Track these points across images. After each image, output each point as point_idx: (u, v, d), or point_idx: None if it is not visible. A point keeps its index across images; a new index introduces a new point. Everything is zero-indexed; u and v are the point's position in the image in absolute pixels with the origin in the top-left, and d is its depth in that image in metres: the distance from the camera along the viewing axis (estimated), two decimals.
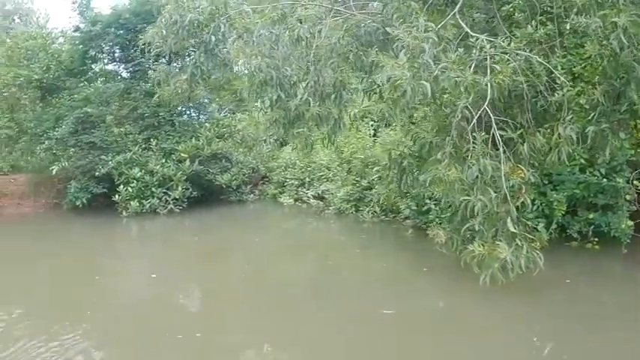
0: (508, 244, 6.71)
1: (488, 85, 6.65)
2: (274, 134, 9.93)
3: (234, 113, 19.92)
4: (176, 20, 8.49)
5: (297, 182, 17.94)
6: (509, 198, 6.85)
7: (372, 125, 16.28)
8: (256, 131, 20.13)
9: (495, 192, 6.70)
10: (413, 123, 9.81)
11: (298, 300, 8.50)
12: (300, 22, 8.24)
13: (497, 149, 6.94)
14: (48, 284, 9.62)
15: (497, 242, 6.74)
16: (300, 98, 8.07)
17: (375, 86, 8.05)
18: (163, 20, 8.64)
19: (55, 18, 48.68)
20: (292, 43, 8.20)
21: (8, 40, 26.61)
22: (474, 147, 6.68)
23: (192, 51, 8.83)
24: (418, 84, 6.05)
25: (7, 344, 6.59)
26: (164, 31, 8.65)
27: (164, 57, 18.32)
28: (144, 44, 8.96)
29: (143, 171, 16.21)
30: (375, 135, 16.08)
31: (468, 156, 6.81)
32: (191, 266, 10.90)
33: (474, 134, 6.73)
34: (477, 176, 6.59)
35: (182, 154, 16.58)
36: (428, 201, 11.82)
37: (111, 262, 11.75)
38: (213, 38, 8.54)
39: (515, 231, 6.78)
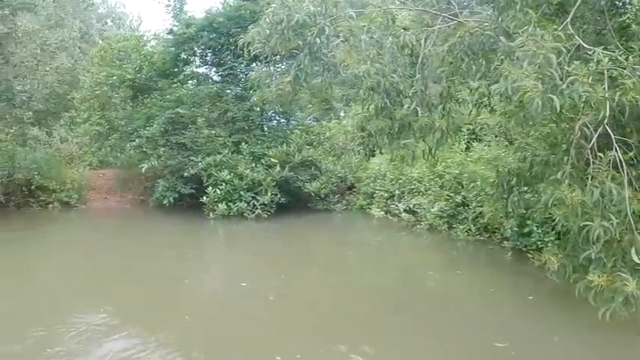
0: (632, 275, 6.25)
1: (614, 101, 6.26)
2: (374, 144, 9.71)
3: (317, 121, 19.92)
4: (282, 19, 8.41)
5: (386, 194, 17.68)
6: (633, 225, 6.40)
7: (464, 139, 15.86)
8: (345, 139, 20.14)
9: (617, 218, 6.27)
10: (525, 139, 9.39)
11: (400, 326, 7.99)
12: (404, 29, 8.04)
13: (619, 171, 6.52)
14: (137, 283, 9.80)
15: (618, 273, 6.29)
16: (408, 107, 7.84)
17: (485, 98, 7.75)
18: (267, 19, 8.56)
19: (147, 21, 50.54)
20: (397, 49, 8.00)
21: (101, 42, 27.94)
22: (598, 168, 6.27)
23: (295, 53, 8.76)
24: (547, 97, 5.74)
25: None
26: (267, 31, 8.55)
27: (260, 60, 18.73)
28: (243, 44, 8.89)
29: (232, 174, 16.59)
30: (467, 149, 15.64)
31: (588, 177, 6.41)
32: (281, 276, 10.81)
33: (599, 154, 6.32)
34: (599, 200, 6.19)
35: (272, 160, 16.84)
36: (529, 222, 11.32)
37: (199, 266, 12.00)
38: (318, 41, 8.40)
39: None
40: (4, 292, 9.01)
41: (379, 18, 8.14)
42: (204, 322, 7.98)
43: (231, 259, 12.95)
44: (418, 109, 7.80)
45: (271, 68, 19.52)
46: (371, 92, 8.03)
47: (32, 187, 18.32)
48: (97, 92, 21.09)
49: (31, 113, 18.43)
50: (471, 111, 9.02)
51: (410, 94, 7.99)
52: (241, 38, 8.64)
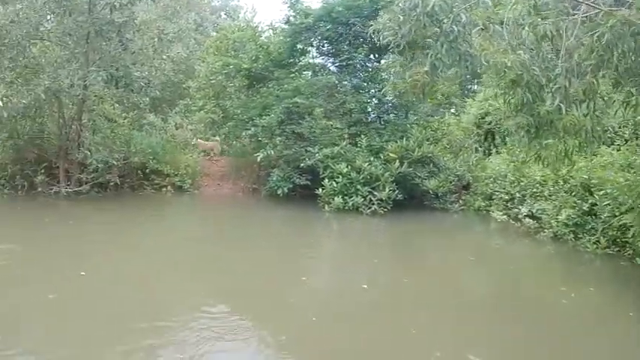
0: None
1: None
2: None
3: (430, 115, 19.16)
4: (416, 4, 7.70)
5: (506, 196, 16.65)
6: None
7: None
8: (463, 136, 19.30)
9: None
10: None
11: (519, 340, 7.18)
12: (542, 19, 7.20)
13: None
14: (255, 277, 9.47)
15: None
16: (551, 103, 7.00)
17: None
18: (400, 5, 7.88)
19: (261, 13, 51.17)
20: (537, 40, 7.18)
21: (215, 33, 28.29)
22: None
23: (428, 42, 8.05)
24: None
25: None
26: (400, 17, 7.86)
27: (380, 51, 18.24)
28: (373, 32, 8.23)
29: (350, 167, 16.00)
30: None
31: None
32: (403, 278, 10.13)
33: None
34: None
35: (391, 154, 16.12)
36: None
37: (315, 262, 11.49)
38: (455, 28, 7.64)
39: None
40: (121, 274, 9.04)
41: (518, 5, 7.38)
42: (333, 325, 7.48)
43: (348, 257, 12.20)
44: (562, 105, 6.99)
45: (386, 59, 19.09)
46: (513, 85, 7.33)
47: (147, 171, 18.68)
48: (212, 81, 21.29)
49: (147, 99, 18.62)
50: (617, 110, 8.15)
51: (552, 89, 7.19)
52: (371, 26, 8.08)
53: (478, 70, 10.02)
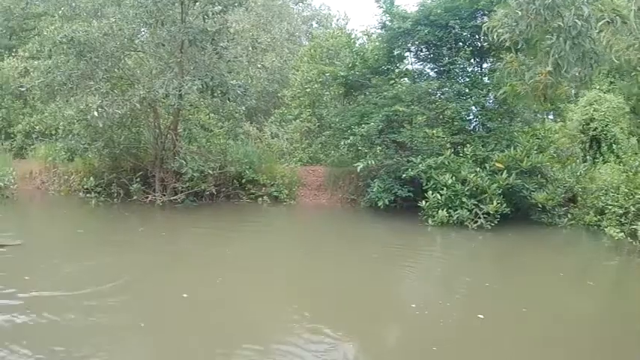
0: None
1: None
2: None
3: (531, 122, 18.07)
4: None
5: (620, 210, 15.23)
6: None
7: None
8: (570, 144, 18.05)
9: None
10: None
11: None
12: None
13: None
14: (357, 298, 9.03)
15: None
16: None
17: None
18: None
19: (354, 20, 50.88)
20: None
21: (306, 43, 28.11)
22: None
23: (548, 38, 7.18)
24: None
25: None
26: (518, 12, 7.06)
27: (485, 54, 17.39)
28: (487, 30, 7.46)
29: (454, 178, 15.18)
30: None
31: None
32: (521, 307, 9.02)
33: None
34: None
35: (497, 165, 15.17)
36: None
37: (422, 284, 10.69)
38: (578, 23, 6.76)
39: None
40: (218, 292, 8.86)
41: None
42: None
43: (457, 279, 11.15)
44: None
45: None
46: None
47: (243, 181, 18.73)
48: (307, 90, 21.15)
49: (243, 108, 18.49)
50: None
51: None
52: (484, 23, 7.37)
53: (601, 71, 9.06)
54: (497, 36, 7.29)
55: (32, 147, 21.54)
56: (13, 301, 7.59)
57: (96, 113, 14.29)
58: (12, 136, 22.94)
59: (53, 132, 18.92)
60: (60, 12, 15.44)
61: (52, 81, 15.28)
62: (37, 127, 21.14)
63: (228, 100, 16.76)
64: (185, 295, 8.41)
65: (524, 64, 8.43)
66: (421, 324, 8.14)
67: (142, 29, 15.90)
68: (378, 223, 15.90)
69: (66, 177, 19.25)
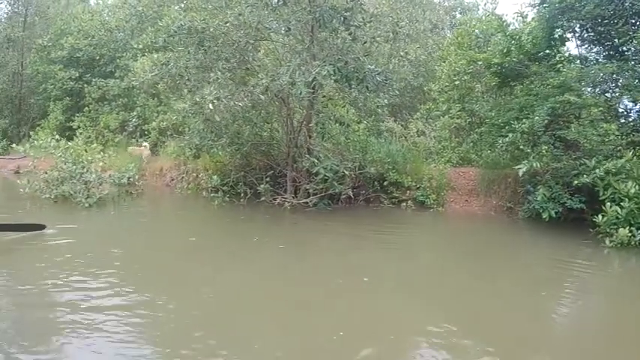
0: None
1: None
2: None
3: None
4: None
5: None
6: None
7: None
8: None
9: None
10: None
11: None
12: None
13: None
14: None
15: None
16: None
17: None
18: None
19: (502, 5, 46.88)
20: None
21: (448, 33, 25.62)
22: None
23: None
24: None
25: None
26: None
27: None
28: None
29: (638, 187, 11.92)
30: None
31: None
32: None
33: None
34: None
35: None
36: None
37: (588, 323, 8.04)
38: None
39: None
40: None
41: None
42: None
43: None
44: None
45: None
46: None
47: (385, 183, 16.74)
48: (456, 82, 18.71)
49: (386, 101, 16.57)
50: None
51: None
52: None
53: None
54: None
55: (165, 144, 21.54)
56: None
57: (211, 106, 13.00)
58: (146, 133, 23.29)
59: (185, 129, 18.62)
60: (182, 4, 14.45)
61: (165, 73, 14.31)
62: (163, 124, 21.57)
63: (367, 88, 14.78)
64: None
65: None
66: None
67: (265, 11, 14.19)
68: (540, 240, 13.01)
69: (194, 175, 18.80)
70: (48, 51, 29.71)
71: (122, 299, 7.61)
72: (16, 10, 33.13)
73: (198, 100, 13.99)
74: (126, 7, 21.12)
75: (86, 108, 27.86)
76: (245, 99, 13.53)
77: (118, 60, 27.17)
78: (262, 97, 13.77)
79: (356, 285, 8.84)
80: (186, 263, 9.88)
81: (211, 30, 13.85)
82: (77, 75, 28.43)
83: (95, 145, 17.85)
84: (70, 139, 17.64)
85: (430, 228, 14.97)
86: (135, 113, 25.08)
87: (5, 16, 33.49)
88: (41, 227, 11.34)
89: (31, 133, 23.83)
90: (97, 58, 28.78)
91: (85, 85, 27.89)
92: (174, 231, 13.83)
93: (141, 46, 18.63)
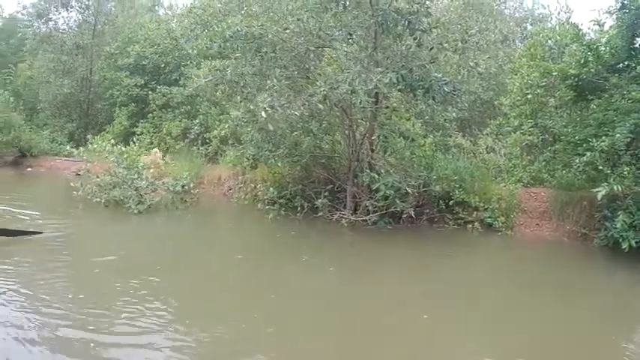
0: None
1: None
2: None
3: None
4: None
5: None
6: None
7: None
8: None
9: None
10: None
11: None
12: None
13: None
14: None
15: None
16: None
17: None
18: None
19: (577, 13, 45.24)
20: None
21: (520, 44, 24.49)
22: None
23: None
24: None
25: None
26: None
27: None
28: None
29: None
30: None
31: None
32: None
33: None
34: None
35: None
36: None
37: None
38: None
39: None
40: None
41: None
42: None
43: None
44: None
45: None
46: None
47: (450, 202, 15.78)
48: (529, 96, 17.68)
49: (454, 114, 15.85)
50: None
51: None
52: None
53: None
54: None
55: (225, 152, 21.62)
56: None
57: (264, 114, 12.43)
58: (208, 141, 23.17)
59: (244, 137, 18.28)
60: (243, 11, 14.13)
61: (220, 80, 13.99)
62: (223, 132, 21.54)
63: (434, 99, 13.94)
64: None
65: None
66: None
67: (326, 15, 13.65)
68: (617, 273, 11.92)
69: (252, 185, 18.53)
70: (115, 58, 30.73)
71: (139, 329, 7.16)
72: (87, 18, 34.32)
73: (251, 107, 13.58)
74: (191, 16, 21.18)
75: (150, 115, 28.42)
76: (302, 108, 12.90)
77: (182, 68, 27.41)
78: (321, 106, 13.15)
79: (413, 322, 8.10)
80: (219, 284, 9.58)
81: (269, 36, 13.52)
82: (142, 82, 29.07)
83: (155, 148, 17.88)
84: (129, 144, 17.69)
85: (498, 255, 13.91)
86: (197, 121, 25.21)
87: (75, 23, 34.63)
88: (38, 233, 11.70)
89: (89, 137, 24.13)
90: (162, 65, 29.37)
91: (150, 92, 28.41)
92: (218, 246, 13.36)
93: (195, 52, 18.62)
